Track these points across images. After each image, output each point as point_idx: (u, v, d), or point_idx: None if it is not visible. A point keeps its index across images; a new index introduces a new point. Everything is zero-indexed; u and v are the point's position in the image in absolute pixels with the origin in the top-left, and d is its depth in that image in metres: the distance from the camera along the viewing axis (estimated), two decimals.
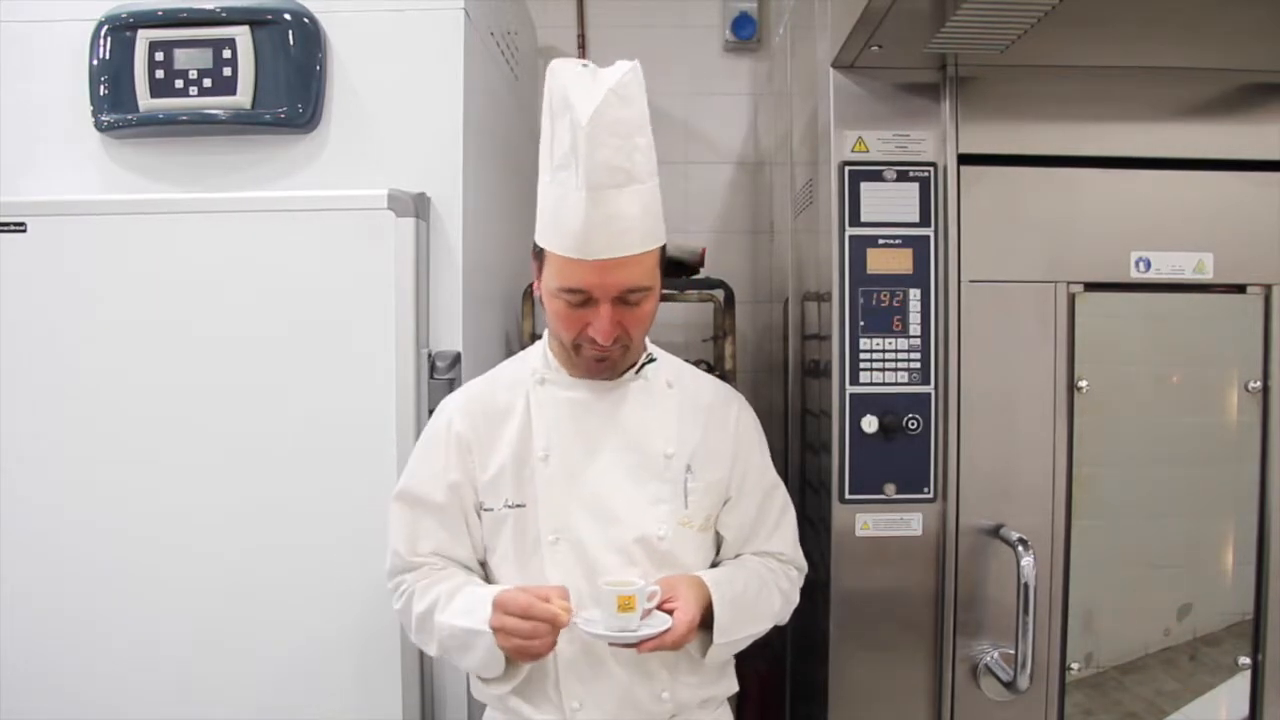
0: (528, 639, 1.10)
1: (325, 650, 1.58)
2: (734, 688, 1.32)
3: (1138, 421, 1.56)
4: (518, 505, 1.23)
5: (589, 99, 1.07)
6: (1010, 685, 1.45)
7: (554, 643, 1.12)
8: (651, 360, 1.29)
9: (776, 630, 1.34)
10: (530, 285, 1.35)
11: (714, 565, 1.31)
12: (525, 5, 2.35)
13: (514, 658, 1.16)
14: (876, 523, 1.52)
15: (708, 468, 1.26)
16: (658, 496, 1.22)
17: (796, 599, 1.35)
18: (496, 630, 1.12)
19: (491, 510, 1.24)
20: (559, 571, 1.19)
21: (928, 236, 1.52)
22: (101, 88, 1.60)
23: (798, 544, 1.36)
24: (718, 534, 1.31)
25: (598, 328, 1.15)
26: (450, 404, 1.31)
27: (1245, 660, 1.57)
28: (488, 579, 1.28)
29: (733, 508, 1.30)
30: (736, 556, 1.32)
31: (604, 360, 1.21)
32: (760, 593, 1.27)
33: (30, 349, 1.58)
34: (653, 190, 1.15)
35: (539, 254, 1.19)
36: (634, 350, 1.24)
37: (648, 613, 1.11)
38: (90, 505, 1.58)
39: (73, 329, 1.58)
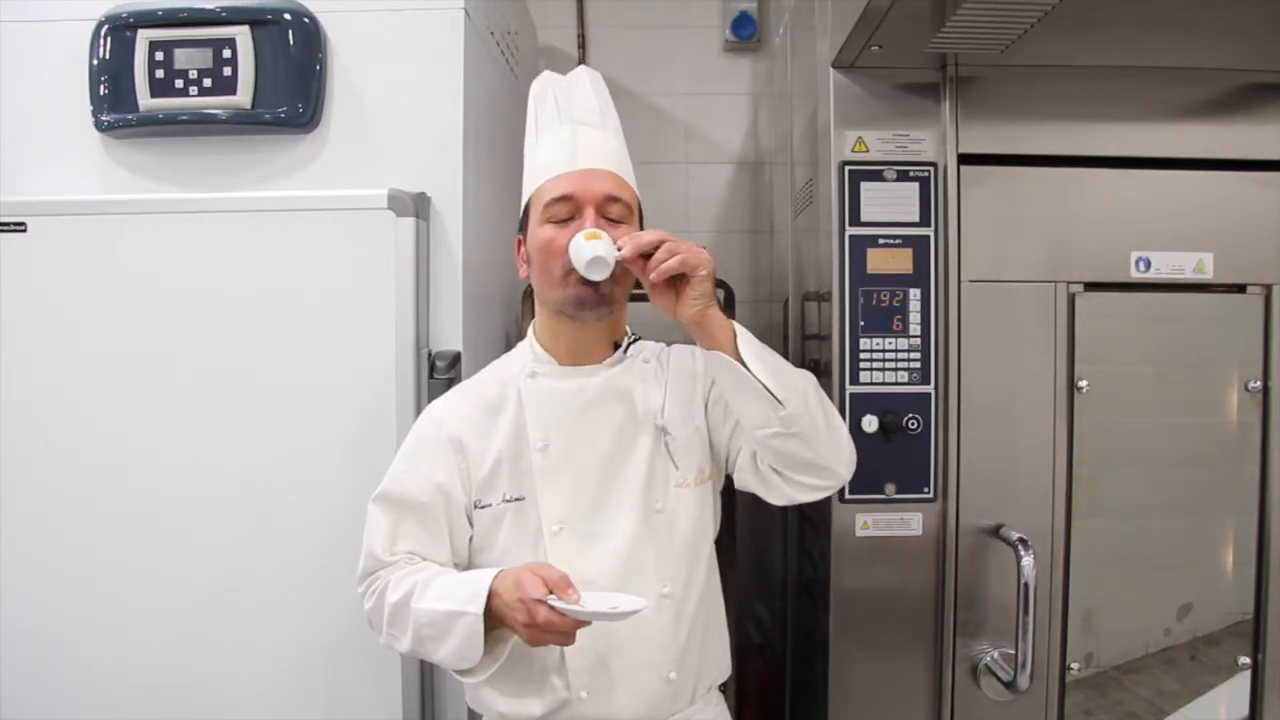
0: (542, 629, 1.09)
1: (324, 651, 1.58)
2: (728, 671, 1.32)
3: (1138, 421, 1.56)
4: (516, 499, 1.24)
5: (569, 74, 1.32)
6: (1010, 685, 1.45)
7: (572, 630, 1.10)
8: (636, 339, 1.31)
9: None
10: (530, 286, 1.35)
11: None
12: (525, 5, 2.35)
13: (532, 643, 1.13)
14: (877, 522, 1.52)
15: (681, 420, 1.26)
16: (657, 470, 1.24)
17: (834, 411, 1.20)
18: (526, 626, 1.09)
19: (489, 506, 1.25)
20: (564, 561, 1.19)
21: (928, 236, 1.52)
22: (101, 88, 1.59)
23: None
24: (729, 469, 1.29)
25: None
26: (436, 409, 1.31)
27: (1245, 660, 1.57)
28: None
29: (728, 413, 1.26)
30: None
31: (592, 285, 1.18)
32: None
33: (30, 349, 1.58)
34: (625, 155, 1.29)
35: (523, 223, 1.27)
36: (619, 290, 1.22)
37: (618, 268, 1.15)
38: (90, 505, 1.58)
39: (73, 329, 1.58)
